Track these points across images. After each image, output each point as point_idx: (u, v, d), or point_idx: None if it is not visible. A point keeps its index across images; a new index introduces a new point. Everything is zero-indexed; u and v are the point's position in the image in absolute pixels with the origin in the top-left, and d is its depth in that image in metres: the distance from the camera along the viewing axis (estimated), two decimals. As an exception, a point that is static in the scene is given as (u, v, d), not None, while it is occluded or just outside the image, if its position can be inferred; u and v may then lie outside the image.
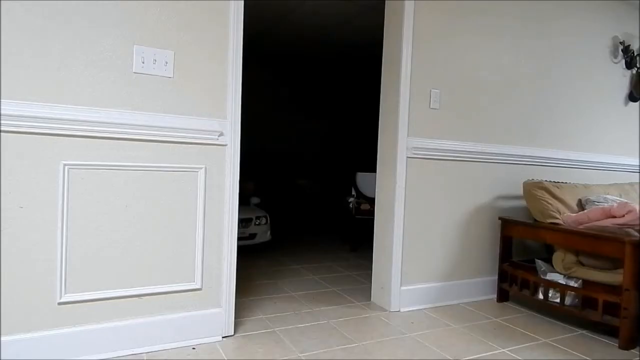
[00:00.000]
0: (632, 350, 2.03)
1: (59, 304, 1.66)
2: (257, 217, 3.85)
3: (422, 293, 2.52)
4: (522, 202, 2.72)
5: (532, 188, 2.56)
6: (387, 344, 2.00)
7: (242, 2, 1.94)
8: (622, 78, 3.32)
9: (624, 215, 2.17)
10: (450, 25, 2.53)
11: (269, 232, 3.93)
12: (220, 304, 1.98)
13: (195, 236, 1.91)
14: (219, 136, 1.92)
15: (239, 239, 3.64)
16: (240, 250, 3.62)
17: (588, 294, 2.16)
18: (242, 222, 3.69)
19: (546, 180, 2.68)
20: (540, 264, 2.44)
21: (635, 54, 3.29)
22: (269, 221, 3.95)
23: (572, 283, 2.25)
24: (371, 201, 3.93)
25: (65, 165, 1.64)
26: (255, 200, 4.41)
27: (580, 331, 2.24)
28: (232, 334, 2.01)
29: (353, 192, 4.27)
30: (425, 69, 2.46)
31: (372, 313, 2.40)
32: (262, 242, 3.86)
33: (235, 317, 2.05)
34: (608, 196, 2.65)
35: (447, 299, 2.60)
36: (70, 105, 1.64)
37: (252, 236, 3.77)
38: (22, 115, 1.56)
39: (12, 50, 1.55)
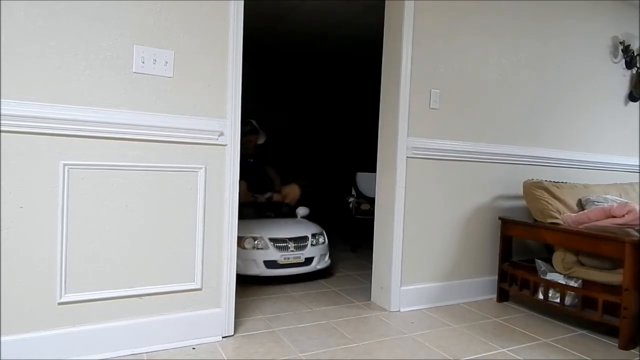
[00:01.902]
0: (632, 350, 2.03)
1: (59, 304, 1.66)
2: (314, 235, 2.99)
3: (422, 293, 2.52)
4: (522, 202, 2.72)
5: (532, 188, 2.56)
6: (387, 344, 2.00)
7: (242, 2, 1.94)
8: (622, 78, 3.32)
9: (624, 215, 2.17)
10: (450, 25, 2.53)
11: (328, 255, 3.07)
12: (220, 304, 1.98)
13: (195, 236, 1.91)
14: (219, 136, 1.92)
15: (290, 265, 2.82)
16: (291, 280, 2.87)
17: (588, 294, 2.16)
18: (295, 243, 2.88)
19: (546, 180, 2.68)
20: (540, 264, 2.44)
21: (635, 54, 3.29)
22: (326, 240, 3.08)
23: (572, 283, 2.25)
24: (371, 201, 3.92)
25: (65, 165, 1.64)
26: (303, 211, 3.47)
27: (580, 331, 2.24)
28: (232, 334, 2.01)
29: (353, 192, 4.26)
30: (425, 69, 2.46)
31: (372, 313, 2.40)
32: (321, 269, 3.00)
33: (235, 317, 2.04)
34: (608, 196, 2.65)
35: (447, 299, 2.60)
36: (70, 105, 1.63)
37: (308, 261, 2.90)
38: (22, 115, 1.55)
39: (12, 50, 1.55)
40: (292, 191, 3.81)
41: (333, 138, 6.55)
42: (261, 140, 3.99)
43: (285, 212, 3.48)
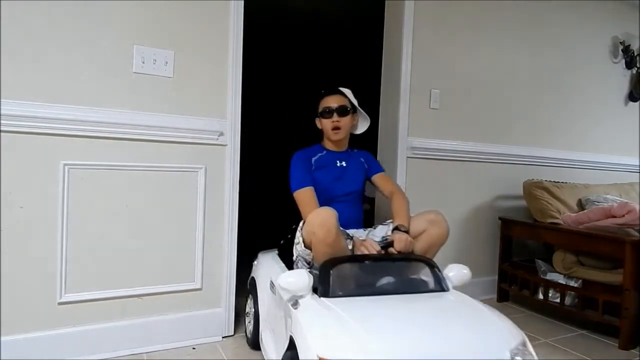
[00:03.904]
0: (632, 351, 2.03)
1: (59, 304, 1.66)
2: (515, 355, 1.12)
3: (422, 293, 2.52)
4: (522, 202, 2.72)
5: (532, 188, 2.56)
6: (387, 344, 1.99)
7: (242, 2, 1.94)
8: (622, 78, 3.32)
9: (624, 215, 2.17)
10: (450, 25, 2.53)
11: None
12: (220, 304, 1.98)
13: (195, 236, 1.91)
14: (219, 136, 1.92)
15: None
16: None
17: (588, 294, 2.16)
18: None
19: (546, 180, 2.68)
20: (540, 264, 2.44)
21: (635, 54, 3.29)
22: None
23: (572, 283, 2.25)
24: (371, 201, 3.91)
25: (65, 165, 1.64)
26: (459, 273, 1.51)
27: (580, 331, 2.24)
28: (232, 334, 2.01)
29: (353, 192, 4.24)
30: (425, 69, 2.46)
31: (372, 313, 2.39)
32: None
33: (236, 317, 2.04)
34: (608, 196, 2.65)
35: (447, 299, 2.60)
36: (70, 105, 1.63)
37: None
38: (22, 115, 1.55)
39: (12, 50, 1.55)
40: (435, 226, 1.72)
41: (333, 138, 6.52)
42: (361, 128, 2.17)
43: (425, 277, 1.49)
